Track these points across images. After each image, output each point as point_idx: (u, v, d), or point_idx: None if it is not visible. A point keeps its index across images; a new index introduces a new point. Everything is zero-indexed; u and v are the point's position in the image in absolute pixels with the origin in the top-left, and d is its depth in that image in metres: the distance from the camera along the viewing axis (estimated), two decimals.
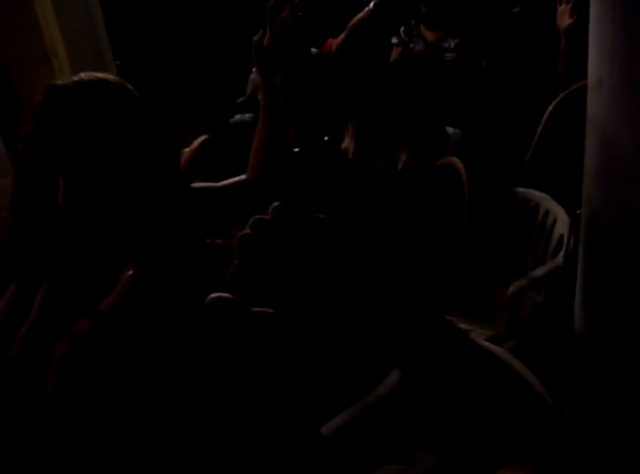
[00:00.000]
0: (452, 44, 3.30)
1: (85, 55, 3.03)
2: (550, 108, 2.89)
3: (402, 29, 3.41)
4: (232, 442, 0.95)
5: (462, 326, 2.16)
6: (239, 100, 3.54)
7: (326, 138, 1.29)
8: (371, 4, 3.03)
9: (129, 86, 1.04)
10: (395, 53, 3.41)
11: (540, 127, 2.93)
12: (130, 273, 0.92)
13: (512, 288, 2.30)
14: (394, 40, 3.39)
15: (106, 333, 0.80)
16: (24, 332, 0.76)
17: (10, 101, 2.83)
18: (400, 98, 2.59)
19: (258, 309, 0.51)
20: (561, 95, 2.89)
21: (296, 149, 1.28)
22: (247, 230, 0.52)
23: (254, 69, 3.55)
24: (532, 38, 3.19)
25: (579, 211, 2.07)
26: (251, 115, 2.85)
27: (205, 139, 2.94)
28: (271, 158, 1.36)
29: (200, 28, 4.63)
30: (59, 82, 1.01)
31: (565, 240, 2.39)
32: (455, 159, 2.43)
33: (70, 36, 3.05)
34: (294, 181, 1.36)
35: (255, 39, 1.31)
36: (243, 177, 1.40)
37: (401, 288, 0.53)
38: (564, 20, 2.91)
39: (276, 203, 0.53)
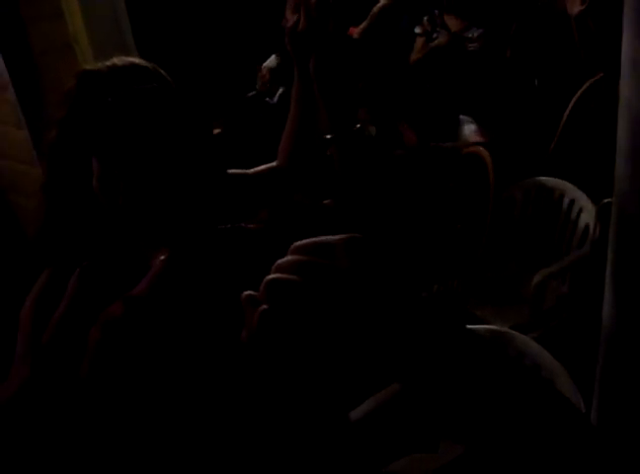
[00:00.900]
0: (476, 35, 3.27)
1: (107, 44, 3.03)
2: (576, 97, 2.86)
3: (425, 18, 3.39)
4: (262, 426, 0.95)
5: (485, 315, 2.14)
6: (249, 94, 3.55)
7: (359, 125, 1.28)
8: None
9: (162, 71, 1.03)
10: (418, 43, 3.39)
11: (565, 116, 2.89)
12: (163, 257, 0.92)
13: (536, 278, 2.27)
14: (417, 30, 3.37)
15: (139, 318, 0.79)
16: (57, 317, 0.76)
17: (33, 87, 2.85)
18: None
19: None
20: (586, 84, 2.85)
21: (328, 136, 1.27)
22: (264, 306, 0.49)
23: (262, 66, 3.56)
24: (562, 25, 3.15)
25: (606, 200, 2.04)
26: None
27: (218, 133, 2.96)
28: (302, 144, 1.35)
29: (223, 19, 4.63)
30: (91, 67, 1.00)
31: (591, 230, 2.37)
32: (481, 148, 2.41)
33: (93, 24, 3.05)
34: (326, 167, 1.35)
35: (289, 24, 1.29)
36: (274, 163, 1.39)
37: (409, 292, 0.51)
38: (575, 6, 2.86)
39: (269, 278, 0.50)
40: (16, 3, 2.86)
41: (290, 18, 1.28)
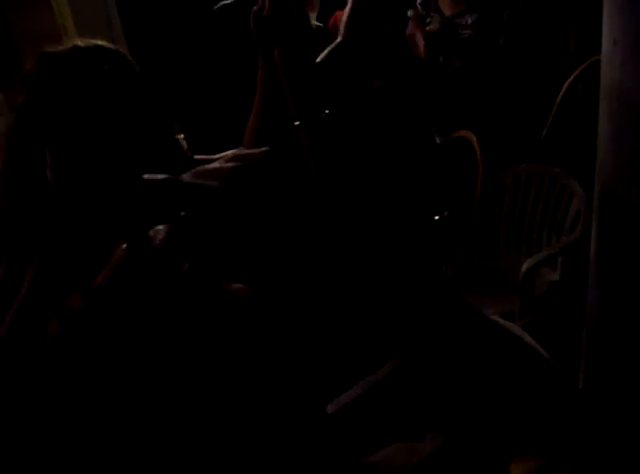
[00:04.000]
0: (469, 21, 3.22)
1: (95, 32, 3.01)
2: (567, 84, 2.82)
3: (419, 1, 3.33)
4: (236, 424, 0.93)
5: (474, 303, 2.11)
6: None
7: (327, 111, 1.25)
8: None
9: (125, 53, 1.01)
10: (411, 27, 3.32)
11: (557, 103, 2.86)
12: (124, 246, 0.90)
13: (525, 265, 2.24)
14: (409, 13, 3.32)
15: (99, 310, 0.77)
16: (14, 311, 0.73)
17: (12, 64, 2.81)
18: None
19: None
20: (578, 69, 2.82)
21: (296, 123, 1.25)
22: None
23: None
24: (546, 14, 3.11)
25: None
26: None
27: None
28: (268, 131, 1.33)
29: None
30: (52, 49, 0.97)
31: (582, 216, 2.33)
32: (469, 133, 2.38)
33: (80, 13, 3.04)
34: (293, 154, 1.33)
35: (254, 8, 1.27)
36: (240, 149, 1.37)
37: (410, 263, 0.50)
38: None
39: None
40: None
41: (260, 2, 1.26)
